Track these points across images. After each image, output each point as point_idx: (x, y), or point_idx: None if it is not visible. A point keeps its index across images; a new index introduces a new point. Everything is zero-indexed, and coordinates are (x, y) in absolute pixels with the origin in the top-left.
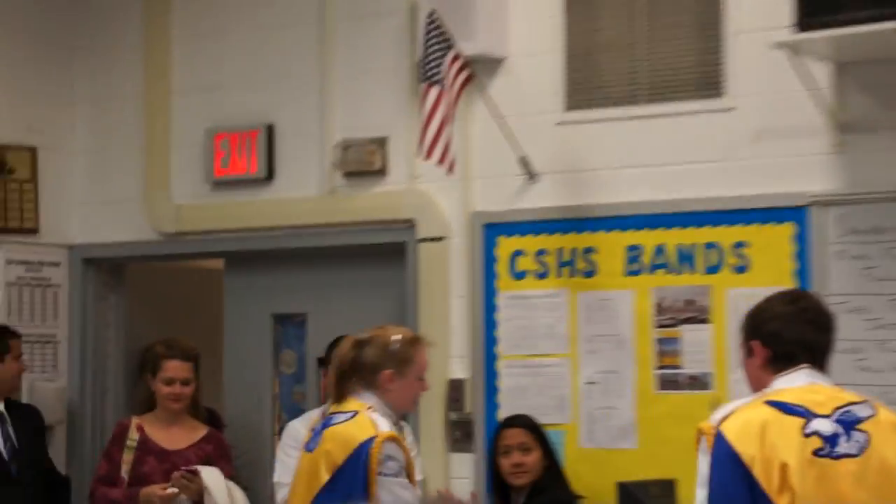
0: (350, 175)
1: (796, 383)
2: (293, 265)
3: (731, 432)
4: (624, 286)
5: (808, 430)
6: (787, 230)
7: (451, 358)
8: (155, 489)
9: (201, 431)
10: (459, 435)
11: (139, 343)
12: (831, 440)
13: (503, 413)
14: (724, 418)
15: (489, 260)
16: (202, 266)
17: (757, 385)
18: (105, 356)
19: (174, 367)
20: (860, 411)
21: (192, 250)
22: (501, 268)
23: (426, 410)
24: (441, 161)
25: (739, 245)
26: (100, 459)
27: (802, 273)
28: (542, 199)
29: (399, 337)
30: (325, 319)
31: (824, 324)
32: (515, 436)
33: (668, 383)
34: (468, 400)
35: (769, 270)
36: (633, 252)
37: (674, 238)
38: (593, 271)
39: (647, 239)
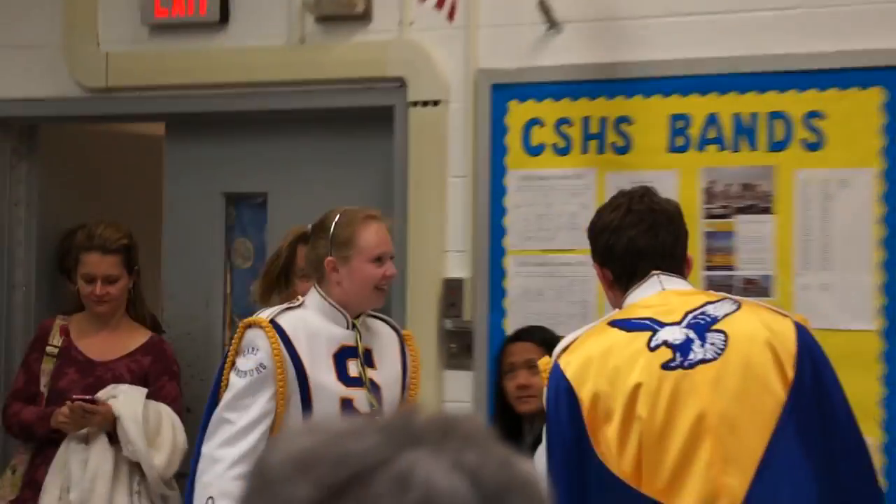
0: (325, 20)
1: (647, 294)
2: (251, 133)
3: (569, 368)
4: (666, 166)
5: (654, 343)
6: (873, 97)
7: (448, 253)
8: (58, 415)
9: (140, 339)
10: (456, 348)
11: (57, 227)
12: (682, 348)
13: (511, 323)
14: (565, 349)
15: (498, 131)
16: (137, 131)
17: (612, 301)
18: (14, 242)
19: (94, 262)
20: (716, 310)
21: (124, 111)
22: (513, 141)
23: (415, 317)
24: (439, 4)
25: (812, 115)
26: (18, 369)
27: (892, 151)
28: (565, 54)
29: (337, 216)
30: (290, 201)
31: (658, 223)
32: (523, 351)
33: (718, 288)
34: (467, 305)
35: (850, 148)
36: (679, 123)
37: (730, 105)
38: (627, 147)
39: (697, 106)
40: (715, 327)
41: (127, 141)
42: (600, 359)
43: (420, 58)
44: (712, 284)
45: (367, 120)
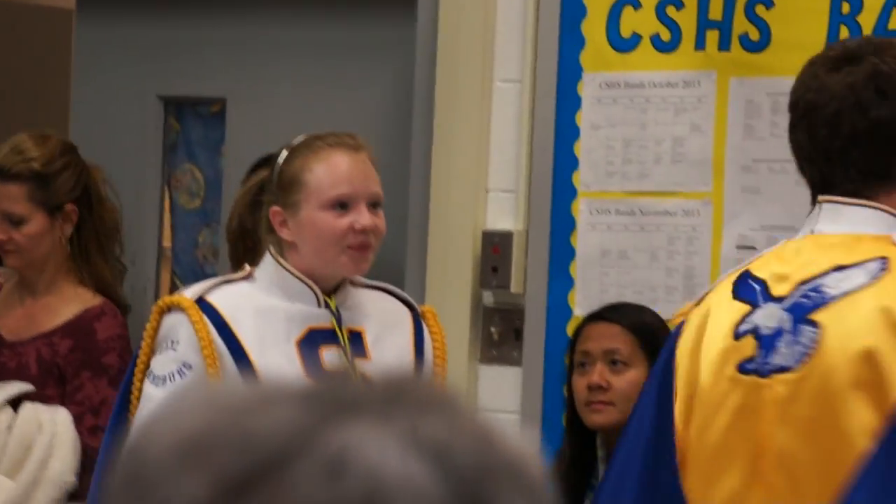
0: None
1: (797, 234)
2: (205, 9)
3: (687, 331)
4: None
5: (742, 328)
6: None
7: (490, 193)
8: None
9: (69, 313)
10: (499, 333)
11: None
12: (768, 343)
13: (581, 297)
14: (702, 298)
15: (570, 14)
16: (39, 2)
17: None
18: None
19: None
20: (841, 281)
21: None
22: (593, 29)
23: (439, 288)
24: None
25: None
26: None
27: None
28: None
29: (287, 148)
30: (260, 113)
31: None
32: (606, 337)
33: None
34: (517, 271)
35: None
36: (844, 6)
37: None
38: (765, 41)
39: None
40: (813, 315)
41: (22, 16)
42: (697, 327)
43: None
44: None
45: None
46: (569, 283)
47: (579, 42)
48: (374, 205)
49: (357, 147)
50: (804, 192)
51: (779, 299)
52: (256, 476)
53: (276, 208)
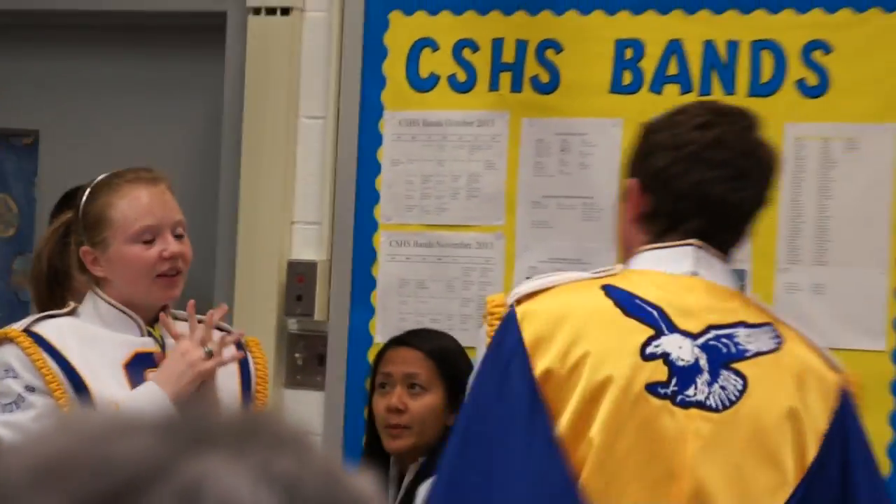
0: None
1: (669, 267)
2: (19, 43)
3: (529, 323)
4: (607, 112)
5: (650, 350)
6: None
7: (296, 225)
8: None
9: None
10: (303, 359)
11: None
12: (683, 375)
13: (382, 325)
14: (529, 296)
15: (373, 54)
16: None
17: (625, 243)
18: None
19: None
20: (750, 341)
21: None
22: (394, 69)
23: (246, 315)
24: None
25: (814, 47)
26: None
27: None
28: None
29: (88, 187)
30: (73, 144)
31: (747, 175)
32: (406, 362)
33: None
34: (320, 299)
35: (864, 94)
36: (627, 52)
37: (700, 29)
38: (554, 83)
39: (653, 29)
40: (736, 365)
41: None
42: (574, 329)
43: None
44: None
45: (188, 32)
46: (370, 311)
47: (381, 81)
48: (178, 235)
49: (155, 179)
50: (591, 226)
51: (689, 334)
52: (112, 500)
53: (85, 248)
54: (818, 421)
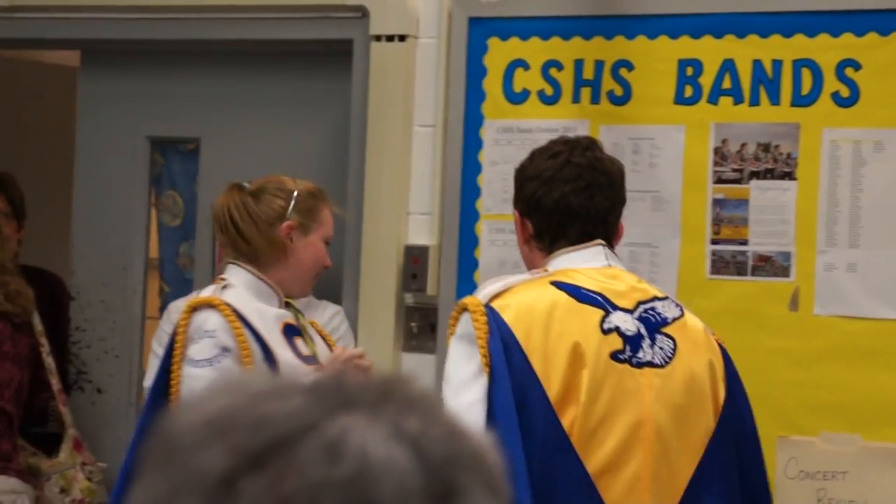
0: None
1: (589, 264)
2: (183, 66)
3: (508, 312)
4: (671, 120)
5: (606, 326)
6: None
7: (411, 216)
8: None
9: None
10: (417, 327)
11: None
12: (633, 342)
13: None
14: (497, 295)
15: (474, 73)
16: (46, 59)
17: (527, 262)
18: None
19: None
20: (666, 310)
21: (30, 35)
22: (492, 85)
23: (370, 290)
24: None
25: (846, 64)
26: None
27: None
28: None
29: (302, 186)
30: (228, 149)
31: (596, 183)
32: None
33: (727, 265)
34: (432, 277)
35: (889, 104)
36: (688, 69)
37: (749, 50)
38: (627, 96)
39: (710, 51)
40: (665, 330)
41: (34, 71)
42: (544, 316)
43: None
44: (720, 260)
45: (320, 56)
46: (473, 287)
47: (481, 95)
48: None
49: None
50: (658, 215)
51: (626, 310)
52: (268, 452)
53: (289, 222)
54: (719, 369)
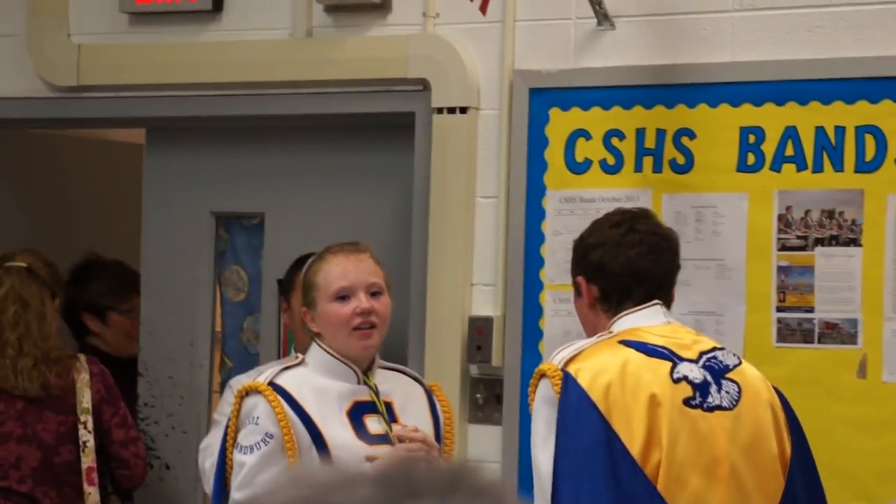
0: (336, 10)
1: (652, 322)
2: (246, 142)
3: (583, 375)
4: (734, 188)
5: (676, 375)
6: None
7: (475, 287)
8: None
9: None
10: (483, 398)
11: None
12: (701, 389)
13: None
14: (571, 359)
15: (536, 143)
16: (112, 138)
17: (589, 325)
18: None
19: None
20: (726, 359)
21: (97, 114)
22: (554, 155)
23: (435, 362)
24: None
25: None
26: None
27: None
28: (617, 54)
29: (308, 262)
30: (291, 223)
31: (660, 248)
32: None
33: (793, 332)
34: (497, 348)
35: None
36: (750, 137)
37: (811, 117)
38: (689, 165)
39: (772, 118)
40: (729, 376)
41: (101, 149)
42: (618, 372)
43: (447, 56)
44: (786, 328)
45: (383, 128)
46: (538, 357)
47: (543, 166)
48: (374, 293)
49: (356, 250)
50: (723, 284)
51: (691, 360)
52: None
53: (303, 309)
54: (779, 410)
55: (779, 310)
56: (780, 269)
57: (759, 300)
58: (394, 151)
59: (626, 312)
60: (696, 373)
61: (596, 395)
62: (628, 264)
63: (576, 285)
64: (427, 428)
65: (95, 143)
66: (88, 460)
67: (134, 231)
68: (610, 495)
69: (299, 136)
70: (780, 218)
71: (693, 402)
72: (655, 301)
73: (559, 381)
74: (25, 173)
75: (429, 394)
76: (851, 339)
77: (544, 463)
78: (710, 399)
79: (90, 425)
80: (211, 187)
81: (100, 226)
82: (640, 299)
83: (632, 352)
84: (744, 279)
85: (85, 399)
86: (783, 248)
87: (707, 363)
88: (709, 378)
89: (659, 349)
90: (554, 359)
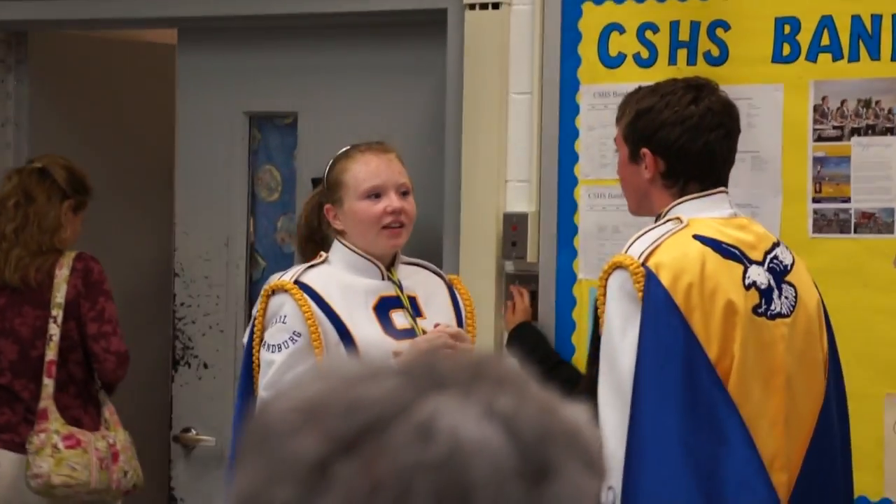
0: None
1: (716, 213)
2: (279, 41)
3: (664, 274)
4: (769, 79)
5: (747, 281)
6: None
7: (509, 183)
8: None
9: None
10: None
11: (51, 151)
12: (767, 295)
13: (583, 264)
14: (650, 253)
15: (569, 38)
16: (144, 38)
17: (637, 198)
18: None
19: None
20: (783, 256)
21: (128, 14)
22: (587, 50)
23: (470, 258)
24: None
25: None
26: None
27: None
28: None
29: (332, 159)
30: (324, 123)
31: (732, 131)
32: None
33: (829, 223)
34: (532, 244)
35: None
36: (785, 27)
37: (847, 6)
38: (724, 57)
39: (807, 7)
40: (787, 278)
41: (133, 50)
42: (698, 276)
43: None
44: (822, 219)
45: (415, 25)
46: (573, 253)
47: (576, 61)
48: (403, 193)
49: (384, 150)
50: (758, 176)
51: (758, 263)
52: (361, 436)
53: (327, 206)
54: (821, 307)
55: (815, 200)
56: (816, 160)
57: (795, 191)
58: (426, 49)
59: (691, 197)
60: (762, 277)
61: (678, 297)
62: (707, 148)
63: (637, 154)
64: (450, 321)
65: (126, 45)
66: (51, 353)
67: (166, 131)
68: (689, 400)
69: (332, 35)
70: (816, 108)
71: (759, 311)
72: (721, 188)
73: (641, 278)
74: (59, 76)
75: (449, 287)
76: (888, 228)
77: (624, 355)
78: (773, 306)
79: (59, 320)
80: (243, 87)
81: (132, 127)
82: (708, 184)
83: (709, 251)
84: (780, 171)
85: (59, 294)
86: (819, 138)
87: (771, 264)
88: (772, 283)
89: (732, 249)
90: (630, 250)
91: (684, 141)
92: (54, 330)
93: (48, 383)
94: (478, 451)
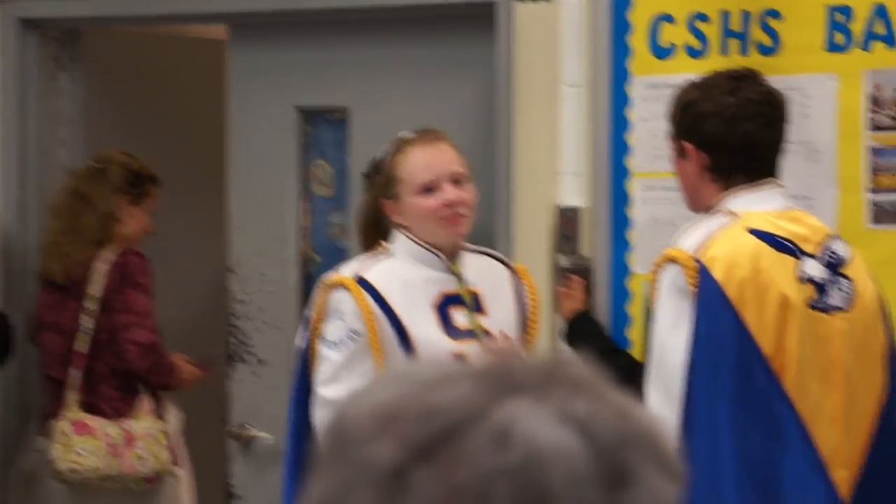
0: None
1: (769, 206)
2: (330, 36)
3: (717, 268)
4: (822, 68)
5: (802, 275)
6: None
7: (561, 175)
8: None
9: None
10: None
11: (105, 147)
12: (822, 288)
13: (638, 257)
14: (704, 247)
15: (619, 29)
16: (196, 34)
17: (691, 194)
18: (52, 166)
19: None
20: (838, 248)
21: (180, 10)
22: (638, 41)
23: (523, 252)
24: None
25: None
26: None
27: None
28: None
29: (383, 150)
30: (375, 117)
31: (774, 119)
32: None
33: (886, 214)
34: (585, 238)
35: None
36: (838, 16)
37: None
38: (776, 46)
39: None
40: (843, 270)
41: (185, 46)
42: (751, 269)
43: None
44: (879, 209)
45: (465, 18)
46: (627, 246)
47: (627, 52)
48: (457, 181)
49: (434, 139)
50: (812, 166)
51: (813, 256)
52: (437, 442)
53: (386, 201)
54: (879, 299)
55: (872, 191)
56: (873, 151)
57: (851, 182)
58: (476, 42)
59: (740, 188)
60: (818, 270)
61: (731, 292)
62: (745, 139)
63: (682, 149)
64: (511, 317)
65: (176, 41)
66: (81, 345)
67: (218, 127)
68: (743, 395)
69: (382, 29)
70: (871, 98)
71: (816, 305)
72: (771, 179)
73: (694, 273)
74: (112, 73)
75: (514, 276)
76: None
77: (675, 351)
78: (829, 300)
79: (94, 313)
80: (294, 82)
81: (184, 122)
82: (753, 174)
83: (763, 245)
84: (835, 161)
85: (95, 288)
86: (875, 127)
87: (826, 257)
88: (829, 276)
89: (785, 243)
90: (683, 244)
91: (722, 132)
92: (88, 322)
93: (75, 374)
94: (555, 456)
